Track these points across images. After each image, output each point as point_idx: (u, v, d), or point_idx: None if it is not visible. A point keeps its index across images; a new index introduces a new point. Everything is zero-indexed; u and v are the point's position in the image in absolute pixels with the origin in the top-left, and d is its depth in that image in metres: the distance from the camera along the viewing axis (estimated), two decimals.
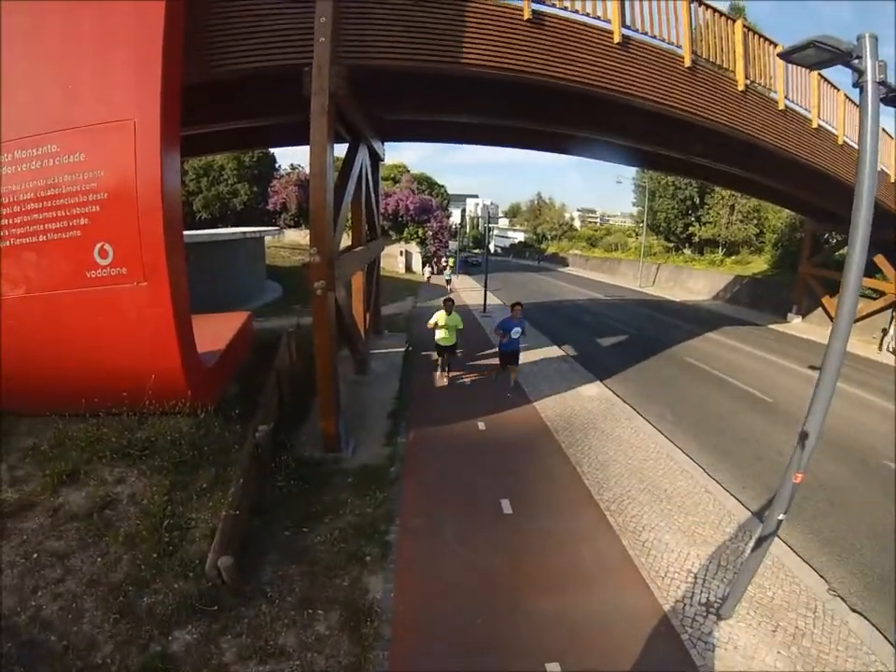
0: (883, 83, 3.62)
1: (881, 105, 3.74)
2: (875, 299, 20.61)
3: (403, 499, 6.99)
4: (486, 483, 7.48)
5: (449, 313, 11.45)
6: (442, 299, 12.46)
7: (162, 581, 4.94)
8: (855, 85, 3.66)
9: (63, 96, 6.58)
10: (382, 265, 17.81)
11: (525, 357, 12.90)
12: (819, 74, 11.07)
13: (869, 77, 3.58)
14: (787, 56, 3.73)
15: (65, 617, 4.55)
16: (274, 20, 7.18)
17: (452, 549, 6.02)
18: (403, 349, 14.51)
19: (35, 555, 5.12)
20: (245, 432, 7.13)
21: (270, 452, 7.05)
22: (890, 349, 18.90)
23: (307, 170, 36.94)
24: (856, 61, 3.57)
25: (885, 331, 19.68)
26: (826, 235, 24.08)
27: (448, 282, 32.38)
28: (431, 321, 11.51)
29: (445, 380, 12.11)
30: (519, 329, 10.82)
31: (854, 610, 5.30)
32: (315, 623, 4.77)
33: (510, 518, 6.70)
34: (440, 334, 11.51)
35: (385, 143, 14.31)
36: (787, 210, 27.47)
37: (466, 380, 12.51)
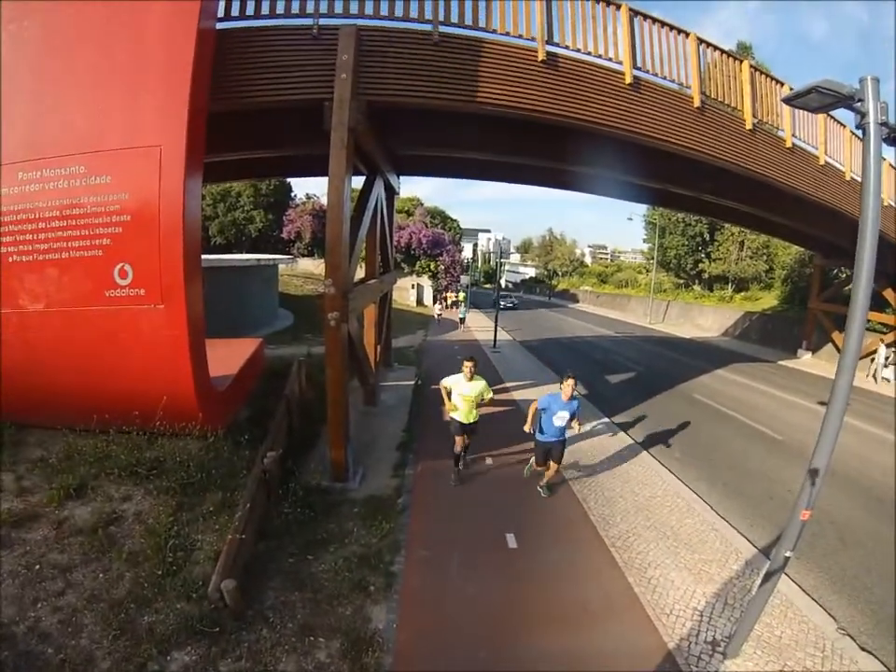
0: (885, 124, 3.70)
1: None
2: (885, 333, 20.58)
3: (409, 531, 6.94)
4: (492, 518, 7.41)
5: (470, 378, 7.83)
6: (463, 358, 8.00)
7: (164, 600, 4.94)
8: (858, 127, 3.75)
9: (92, 120, 6.88)
10: (393, 298, 17.99)
11: (535, 394, 12.85)
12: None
13: (871, 118, 3.67)
14: (790, 101, 3.85)
15: (64, 630, 4.55)
16: (299, 55, 7.51)
17: (456, 582, 5.95)
18: (413, 382, 14.55)
19: (38, 567, 5.16)
20: (253, 457, 7.14)
21: (278, 478, 7.07)
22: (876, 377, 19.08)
23: (323, 200, 37.83)
24: (858, 103, 3.67)
25: (872, 359, 19.88)
26: (835, 270, 24.20)
27: (462, 320, 31.04)
28: (445, 383, 8.04)
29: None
30: (567, 415, 7.56)
31: (864, 649, 5.17)
32: (315, 650, 4.72)
33: (515, 552, 6.62)
34: (457, 411, 7.97)
35: (401, 176, 14.62)
36: (796, 246, 27.67)
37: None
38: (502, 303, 39.03)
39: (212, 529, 5.93)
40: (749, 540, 7.22)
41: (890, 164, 14.26)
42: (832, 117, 11.59)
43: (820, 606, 5.86)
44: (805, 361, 23.31)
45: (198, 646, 4.53)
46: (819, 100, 3.67)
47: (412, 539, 6.73)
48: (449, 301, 36.71)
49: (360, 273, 12.89)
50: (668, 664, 4.85)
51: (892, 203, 14.48)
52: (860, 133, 3.87)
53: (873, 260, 3.87)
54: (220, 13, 7.53)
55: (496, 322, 23.22)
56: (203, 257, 7.65)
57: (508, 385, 15.51)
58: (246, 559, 5.56)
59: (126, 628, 4.62)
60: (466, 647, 4.94)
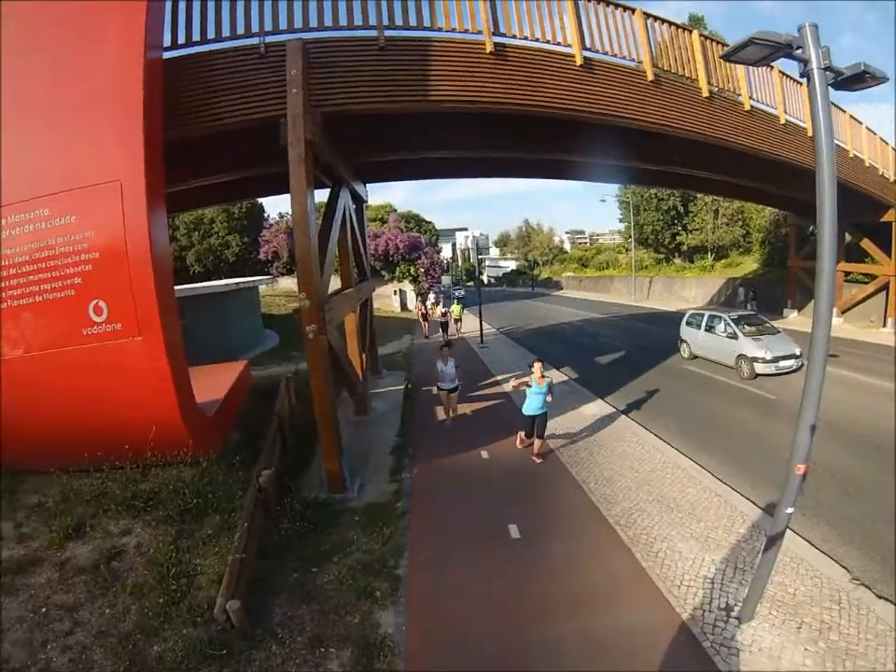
0: (829, 68, 3.73)
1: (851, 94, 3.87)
2: (867, 283, 20.88)
3: (411, 533, 6.94)
4: (493, 510, 7.44)
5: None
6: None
7: (171, 628, 4.91)
8: (802, 75, 3.77)
9: (51, 161, 6.86)
10: (377, 306, 17.96)
11: None
12: (781, 71, 11.43)
13: (814, 64, 3.70)
14: (729, 57, 3.88)
15: (75, 668, 4.53)
16: (249, 75, 7.50)
17: (462, 578, 5.95)
18: (403, 387, 14.53)
19: (44, 609, 5.13)
20: (247, 478, 7.13)
21: (274, 496, 7.07)
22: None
23: None
24: (798, 51, 3.70)
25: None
26: (811, 228, 24.28)
27: (456, 321, 25.95)
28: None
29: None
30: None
31: (880, 597, 5.21)
32: (327, 661, 4.72)
33: (518, 543, 6.64)
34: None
35: (368, 184, 14.62)
36: (769, 208, 27.94)
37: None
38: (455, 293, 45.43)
39: (212, 553, 5.91)
40: (752, 502, 7.29)
41: (852, 117, 14.49)
42: (787, 76, 11.71)
43: (832, 558, 5.91)
44: (792, 320, 23.49)
45: (209, 670, 4.50)
46: (758, 52, 3.71)
47: (414, 541, 6.73)
48: (437, 311, 26.49)
49: (337, 284, 12.87)
50: (683, 634, 4.87)
51: (859, 155, 14.70)
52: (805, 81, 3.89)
53: (833, 209, 3.91)
54: (168, 42, 7.52)
55: (480, 317, 23.20)
56: (184, 286, 7.65)
57: (498, 378, 15.52)
58: (249, 578, 5.53)
59: (136, 660, 4.60)
60: (476, 642, 4.95)
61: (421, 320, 28.03)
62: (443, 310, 25.10)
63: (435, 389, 11.22)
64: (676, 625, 5.00)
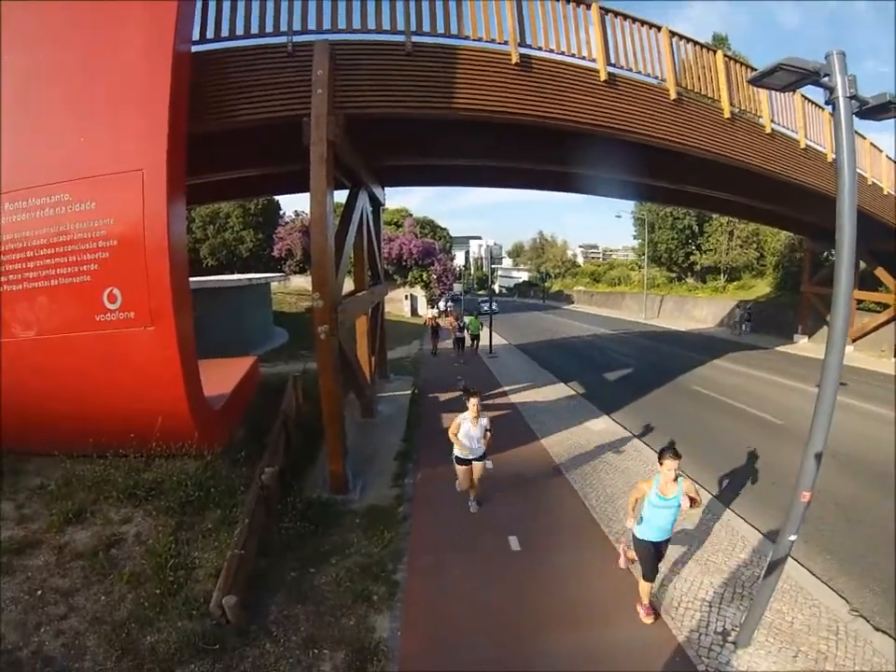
0: (855, 97, 3.73)
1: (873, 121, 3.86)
2: (879, 312, 20.73)
3: (411, 539, 6.92)
4: (494, 521, 7.41)
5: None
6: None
7: (166, 619, 4.91)
8: (827, 102, 3.77)
9: (75, 147, 6.93)
10: (387, 310, 17.99)
11: (532, 396, 12.87)
12: (803, 95, 11.40)
13: (840, 93, 3.70)
14: (756, 81, 3.88)
15: (68, 653, 4.54)
16: (275, 73, 7.56)
17: (460, 587, 5.92)
18: (410, 392, 14.54)
19: (40, 592, 5.14)
20: (251, 474, 7.12)
21: (277, 493, 7.07)
22: None
23: None
24: (825, 79, 3.69)
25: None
26: (825, 253, 24.20)
27: (473, 337, 21.31)
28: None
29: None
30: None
31: (878, 629, 5.14)
32: (320, 662, 4.70)
33: (518, 555, 6.60)
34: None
35: (386, 188, 14.68)
36: (785, 232, 27.75)
37: None
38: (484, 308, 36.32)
39: (212, 547, 5.91)
40: (754, 527, 7.21)
41: (872, 144, 14.41)
42: (809, 100, 11.68)
43: (831, 588, 5.84)
44: (802, 346, 23.33)
45: (201, 663, 4.50)
46: (786, 78, 3.70)
47: (413, 547, 6.71)
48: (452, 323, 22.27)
49: (350, 285, 12.92)
50: (679, 657, 4.81)
51: (877, 183, 14.61)
52: (830, 109, 3.88)
53: (853, 236, 3.87)
54: (196, 36, 7.58)
55: (490, 328, 23.21)
56: (196, 279, 7.69)
57: (505, 388, 15.50)
58: (248, 575, 5.52)
59: (129, 649, 4.59)
60: (471, 651, 4.91)
61: (430, 334, 23.01)
62: (460, 322, 20.85)
63: (455, 455, 7.46)
64: (672, 646, 4.94)
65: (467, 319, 22.05)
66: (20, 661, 4.42)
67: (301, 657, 4.73)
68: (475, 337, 21.54)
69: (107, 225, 6.80)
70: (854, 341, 21.10)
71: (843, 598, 5.66)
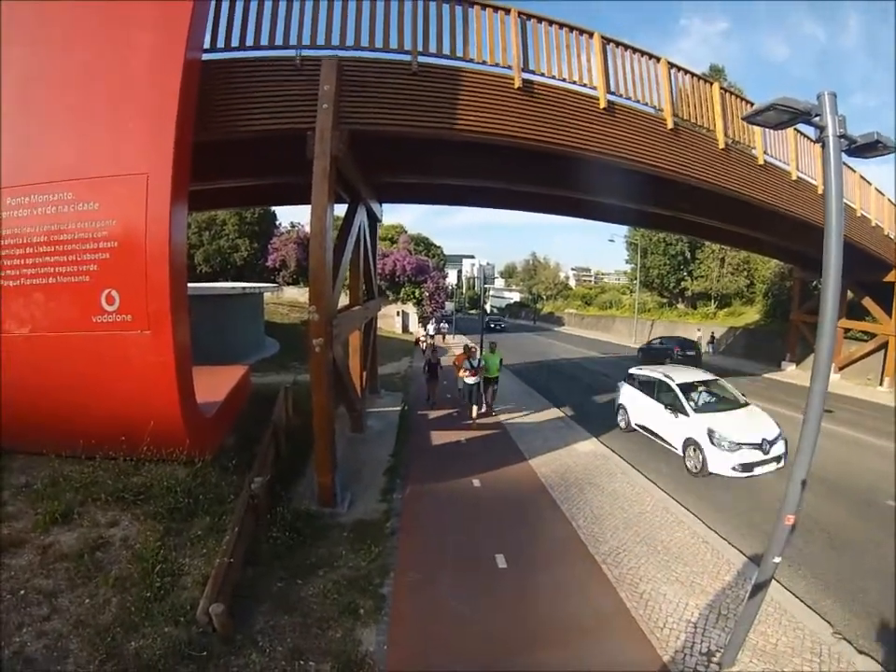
0: (844, 136, 3.88)
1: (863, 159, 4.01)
2: (867, 341, 21.04)
3: (398, 553, 6.93)
4: (481, 539, 7.42)
5: None
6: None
7: (152, 625, 4.87)
8: (817, 140, 3.92)
9: (80, 147, 6.98)
10: (379, 325, 18.01)
11: (523, 418, 13.01)
12: (795, 128, 11.66)
13: (830, 132, 3.85)
14: (750, 119, 4.04)
15: (49, 655, 4.47)
16: (282, 86, 7.68)
17: (446, 603, 5.93)
18: (399, 408, 14.54)
19: (22, 592, 5.07)
20: (240, 483, 7.11)
21: (266, 503, 7.04)
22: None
23: (307, 228, 37.47)
24: (816, 118, 3.85)
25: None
26: (814, 282, 24.46)
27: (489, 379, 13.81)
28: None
29: None
30: None
31: (861, 652, 5.19)
32: None
33: (505, 572, 6.62)
34: None
35: (383, 204, 14.82)
36: (775, 260, 28.18)
37: None
38: (492, 324, 38.76)
39: (200, 554, 5.88)
40: (739, 550, 7.24)
41: (862, 177, 14.77)
42: (801, 133, 11.98)
43: (814, 611, 5.89)
44: (790, 373, 23.58)
45: (186, 670, 4.46)
46: (778, 117, 3.86)
47: (401, 562, 6.71)
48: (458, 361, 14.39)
49: (345, 300, 12.97)
50: None
51: (866, 214, 14.95)
52: (821, 145, 4.03)
53: (839, 267, 4.00)
54: (206, 44, 7.67)
55: (480, 346, 23.18)
56: (189, 285, 7.69)
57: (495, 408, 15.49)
58: (235, 583, 5.51)
59: (113, 653, 4.54)
60: (457, 666, 4.91)
61: (424, 368, 16.74)
62: (474, 361, 13.55)
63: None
64: (657, 666, 4.97)
65: (480, 354, 14.64)
66: (0, 661, 4.36)
67: (286, 668, 4.70)
68: (493, 379, 14.62)
69: (109, 226, 6.81)
70: (841, 369, 21.35)
71: (826, 621, 5.70)
